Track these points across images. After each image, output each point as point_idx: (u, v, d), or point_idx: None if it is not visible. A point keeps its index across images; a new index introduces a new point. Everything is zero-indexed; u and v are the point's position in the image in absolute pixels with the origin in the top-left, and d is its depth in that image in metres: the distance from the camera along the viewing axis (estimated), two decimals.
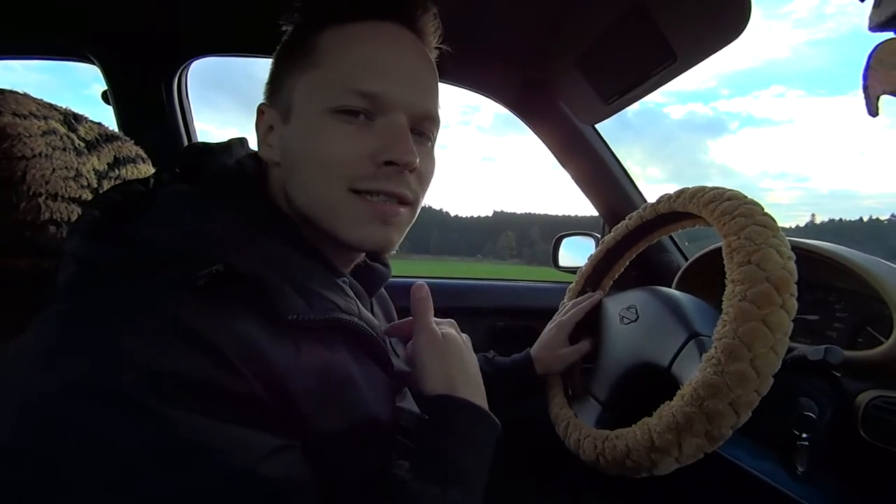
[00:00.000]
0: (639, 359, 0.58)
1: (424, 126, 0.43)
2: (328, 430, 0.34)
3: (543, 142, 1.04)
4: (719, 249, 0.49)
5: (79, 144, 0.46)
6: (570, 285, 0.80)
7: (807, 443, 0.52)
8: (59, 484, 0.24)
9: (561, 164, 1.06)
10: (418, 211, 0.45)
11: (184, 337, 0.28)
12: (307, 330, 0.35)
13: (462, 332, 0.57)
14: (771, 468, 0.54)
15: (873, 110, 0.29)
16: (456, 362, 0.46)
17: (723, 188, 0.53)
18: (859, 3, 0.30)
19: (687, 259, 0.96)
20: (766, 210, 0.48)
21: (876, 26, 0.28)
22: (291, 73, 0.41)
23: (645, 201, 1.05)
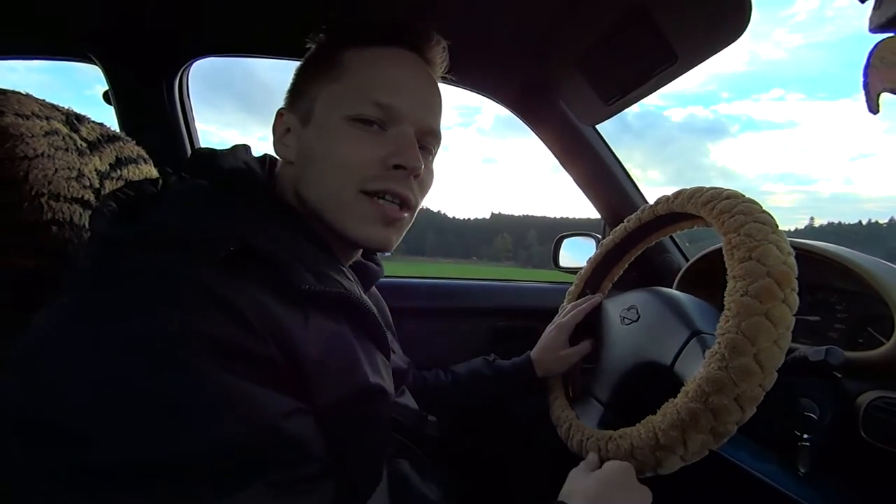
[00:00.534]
0: (641, 358, 0.58)
1: (428, 140, 0.48)
2: (335, 396, 0.36)
3: (544, 143, 1.04)
4: (720, 250, 0.49)
5: (81, 145, 0.47)
6: (570, 288, 0.80)
7: (808, 444, 0.52)
8: (103, 432, 0.25)
9: (562, 165, 1.06)
10: (414, 217, 0.50)
11: (210, 300, 0.30)
12: (316, 303, 0.37)
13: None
14: (772, 469, 0.54)
15: (874, 107, 0.29)
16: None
17: (720, 188, 0.53)
18: (859, 5, 0.30)
19: (688, 260, 0.96)
20: (805, 227, 0.48)
21: (876, 28, 0.28)
22: (314, 83, 0.46)
23: (646, 202, 1.05)
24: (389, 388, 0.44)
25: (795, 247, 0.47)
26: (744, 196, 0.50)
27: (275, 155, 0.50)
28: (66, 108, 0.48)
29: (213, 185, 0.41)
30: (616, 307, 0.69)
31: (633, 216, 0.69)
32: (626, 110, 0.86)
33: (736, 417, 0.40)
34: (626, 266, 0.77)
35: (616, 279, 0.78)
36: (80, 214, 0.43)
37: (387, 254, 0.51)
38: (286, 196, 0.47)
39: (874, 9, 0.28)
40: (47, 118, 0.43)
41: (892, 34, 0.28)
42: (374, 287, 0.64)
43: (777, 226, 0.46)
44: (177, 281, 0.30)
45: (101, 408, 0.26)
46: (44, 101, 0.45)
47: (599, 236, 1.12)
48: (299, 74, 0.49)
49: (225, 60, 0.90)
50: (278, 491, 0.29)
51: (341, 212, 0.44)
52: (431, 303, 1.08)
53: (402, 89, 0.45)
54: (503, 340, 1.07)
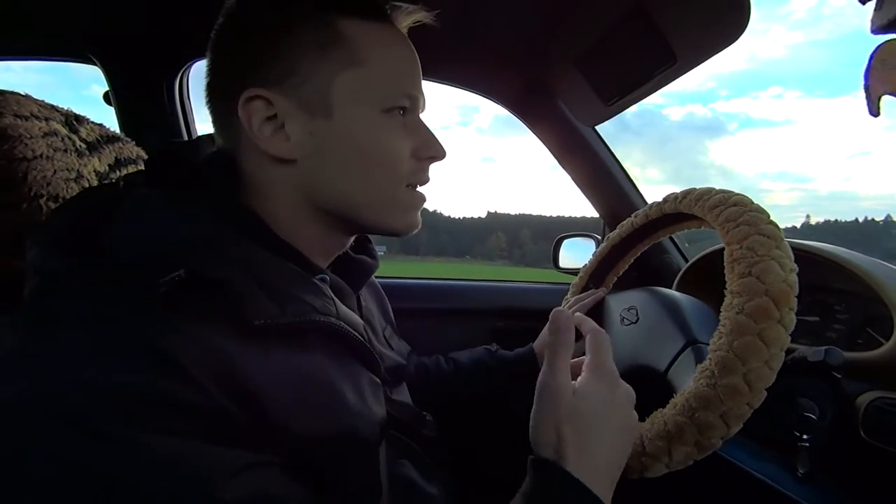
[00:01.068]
0: (636, 361, 0.58)
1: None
2: (309, 437, 0.33)
3: (544, 143, 1.04)
4: (720, 251, 0.49)
5: (80, 146, 0.46)
6: (574, 280, 0.80)
7: (807, 444, 0.52)
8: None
9: (561, 165, 1.06)
10: None
11: (145, 355, 0.27)
12: (279, 335, 0.33)
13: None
14: (771, 469, 0.54)
15: (874, 110, 0.29)
16: (614, 428, 0.39)
17: (730, 192, 0.53)
18: (858, 4, 0.30)
19: (687, 260, 0.96)
20: (772, 218, 0.47)
21: (878, 29, 0.28)
22: (320, 63, 0.38)
23: (645, 203, 1.05)
24: (377, 412, 0.41)
25: (795, 248, 0.47)
26: (751, 204, 0.49)
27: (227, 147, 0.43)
28: (66, 108, 0.48)
29: (168, 192, 0.36)
30: (617, 305, 0.69)
31: (640, 212, 0.69)
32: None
33: (721, 433, 0.40)
34: (631, 261, 0.77)
35: (620, 273, 0.78)
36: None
37: (381, 252, 0.49)
38: (266, 198, 0.40)
39: (875, 10, 0.28)
40: (46, 119, 0.43)
41: (893, 36, 0.28)
42: (373, 278, 0.61)
43: (782, 239, 0.45)
44: (110, 333, 0.27)
45: (15, 481, 0.23)
46: (43, 101, 0.45)
47: (598, 237, 1.12)
48: (267, 41, 0.38)
49: None
50: None
51: (390, 209, 0.43)
52: (431, 303, 1.08)
53: (418, 77, 0.44)
54: (502, 341, 1.07)
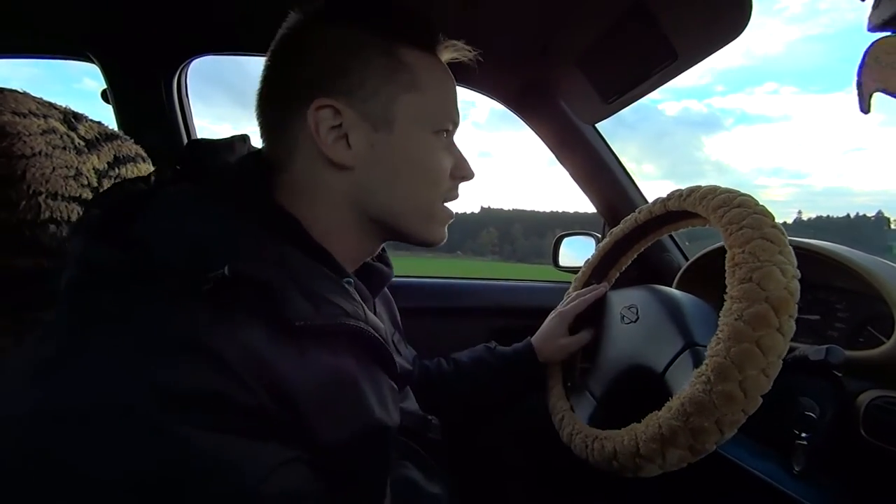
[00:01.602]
0: (635, 361, 0.58)
1: None
2: (334, 438, 0.34)
3: (544, 141, 1.04)
4: (721, 249, 0.49)
5: (79, 143, 0.46)
6: (577, 275, 0.80)
7: (805, 442, 0.52)
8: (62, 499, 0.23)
9: (561, 163, 1.06)
10: None
11: (191, 352, 0.28)
12: (313, 336, 0.34)
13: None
14: (771, 468, 0.54)
15: (865, 107, 0.29)
16: None
17: (734, 191, 0.52)
18: (858, 1, 0.30)
19: (687, 258, 0.96)
20: (776, 220, 0.47)
21: (875, 27, 0.28)
22: (385, 83, 0.42)
23: (645, 200, 1.05)
24: (395, 417, 0.42)
25: (796, 247, 0.47)
26: (756, 205, 0.49)
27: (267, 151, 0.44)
28: (64, 106, 0.48)
29: (203, 190, 0.38)
30: (618, 302, 0.69)
31: (643, 208, 0.69)
32: None
33: (715, 438, 0.40)
34: (634, 257, 0.76)
35: (623, 269, 0.78)
36: (79, 213, 0.43)
37: None
38: (318, 200, 0.42)
39: (873, 8, 0.28)
40: (45, 116, 0.43)
41: (887, 34, 0.28)
42: (385, 289, 0.63)
43: (785, 243, 0.44)
44: (155, 329, 0.28)
45: (51, 480, 0.23)
46: (41, 99, 0.45)
47: (598, 235, 1.12)
48: (338, 58, 0.41)
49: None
50: None
51: (427, 221, 0.46)
52: (429, 302, 1.08)
53: (458, 105, 0.48)
54: (502, 339, 1.07)
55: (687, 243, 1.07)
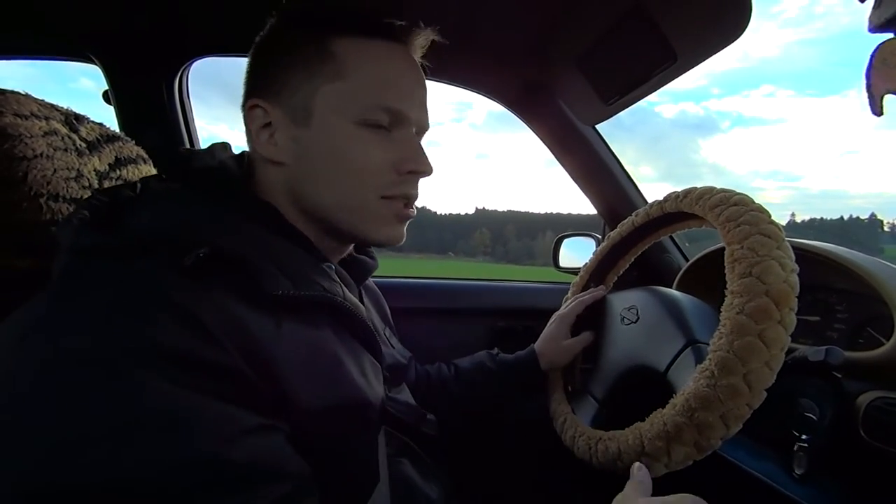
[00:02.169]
0: (636, 361, 0.58)
1: (421, 137, 0.49)
2: (314, 408, 0.34)
3: (543, 142, 1.04)
4: (720, 250, 0.49)
5: (80, 145, 0.47)
6: (575, 279, 0.80)
7: (805, 444, 0.52)
8: (37, 445, 0.24)
9: (561, 164, 1.06)
10: None
11: (170, 312, 0.29)
12: (291, 308, 0.36)
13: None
14: (771, 469, 0.54)
15: (877, 110, 0.29)
16: None
17: (731, 191, 0.52)
18: (850, 2, 0.29)
19: (687, 259, 0.96)
20: (773, 218, 0.47)
21: (876, 27, 0.28)
22: (303, 76, 0.43)
23: (645, 201, 1.05)
24: (377, 393, 0.43)
25: (796, 247, 0.47)
26: (752, 203, 0.49)
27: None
28: (66, 108, 0.48)
29: (186, 187, 0.40)
30: (618, 304, 0.69)
31: (640, 210, 0.69)
32: None
33: (720, 434, 0.40)
34: (632, 260, 0.76)
35: (621, 272, 0.78)
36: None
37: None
38: (270, 195, 0.44)
39: (874, 8, 0.28)
40: (46, 118, 0.43)
41: (893, 35, 0.28)
42: (371, 282, 0.64)
43: (783, 239, 0.45)
44: (138, 291, 0.29)
45: (42, 426, 0.24)
46: (43, 101, 0.45)
47: (598, 236, 1.12)
48: (272, 58, 0.44)
49: None
50: None
51: (361, 218, 0.44)
52: (430, 303, 1.08)
53: (407, 92, 0.45)
54: (502, 341, 1.07)
55: (687, 244, 1.07)
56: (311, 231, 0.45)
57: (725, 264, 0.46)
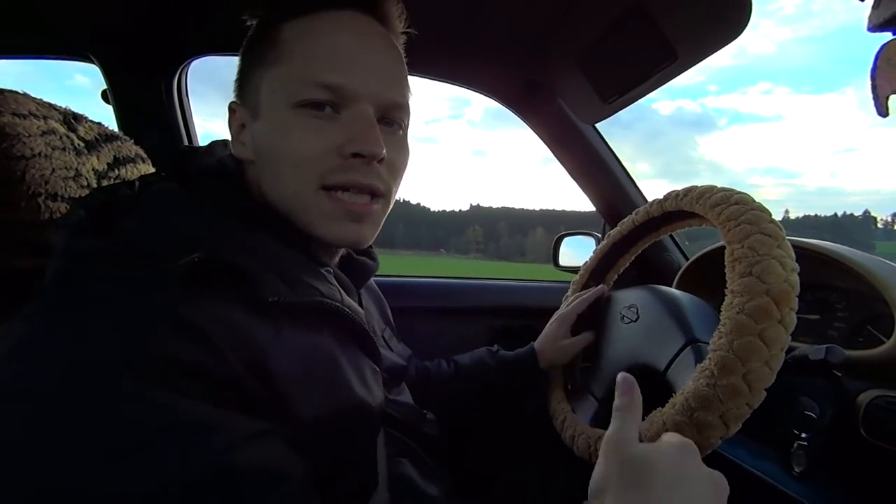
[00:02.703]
0: (636, 360, 0.58)
1: (393, 115, 0.43)
2: (314, 414, 0.34)
3: (543, 141, 1.04)
4: (721, 249, 0.49)
5: (78, 144, 0.46)
6: (575, 278, 0.80)
7: (805, 443, 0.51)
8: (34, 463, 0.23)
9: (561, 163, 1.06)
10: (392, 204, 0.45)
11: (169, 322, 0.28)
12: (289, 314, 0.35)
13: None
14: (771, 467, 0.54)
15: (883, 110, 0.29)
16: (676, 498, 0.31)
17: (731, 190, 0.52)
18: (848, 0, 0.29)
19: (687, 258, 0.96)
20: (773, 217, 0.47)
21: (875, 27, 0.28)
22: (257, 69, 0.41)
23: (645, 200, 1.05)
24: (377, 397, 0.42)
25: (796, 246, 0.47)
26: (753, 202, 0.49)
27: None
28: (64, 107, 0.48)
29: (184, 189, 0.39)
30: (618, 303, 0.69)
31: (641, 209, 0.69)
32: None
33: (720, 433, 0.40)
34: (632, 259, 0.76)
35: (621, 271, 0.78)
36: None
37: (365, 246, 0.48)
38: (256, 196, 0.43)
39: (873, 8, 0.28)
40: (44, 118, 0.43)
41: (893, 35, 0.27)
42: (372, 282, 0.64)
43: (784, 238, 0.45)
44: (133, 302, 0.29)
45: (37, 437, 0.24)
46: (41, 100, 0.45)
47: (598, 235, 1.12)
48: (242, 60, 0.44)
49: None
50: None
51: (305, 212, 0.40)
52: (430, 302, 1.08)
53: (351, 63, 0.39)
54: (502, 339, 1.07)
55: (687, 243, 1.07)
56: (298, 236, 0.43)
57: (726, 263, 0.46)
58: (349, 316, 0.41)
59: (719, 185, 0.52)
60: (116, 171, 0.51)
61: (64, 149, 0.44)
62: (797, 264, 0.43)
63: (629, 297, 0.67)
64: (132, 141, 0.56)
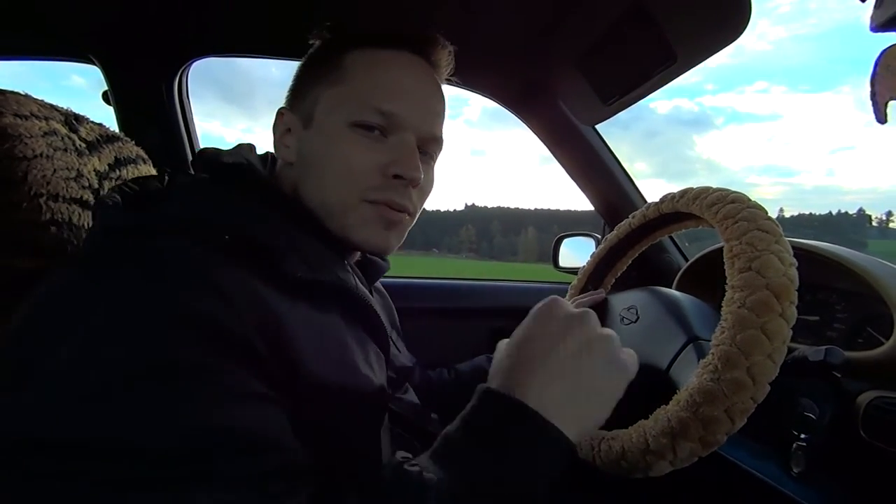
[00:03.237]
0: (638, 360, 0.58)
1: (429, 147, 0.48)
2: (319, 386, 0.35)
3: (543, 142, 1.04)
4: (720, 250, 0.49)
5: (80, 145, 0.46)
6: (573, 282, 0.80)
7: (804, 444, 0.52)
8: (67, 409, 0.25)
9: (560, 164, 1.06)
10: (414, 222, 0.50)
11: (194, 280, 0.31)
12: (308, 292, 0.38)
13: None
14: (771, 468, 0.54)
15: (882, 117, 0.29)
16: (569, 360, 0.35)
17: (727, 190, 0.53)
18: (847, 2, 0.29)
19: (687, 259, 0.96)
20: (770, 214, 0.48)
21: (877, 27, 0.28)
22: (316, 85, 0.46)
23: (644, 201, 1.05)
24: (380, 379, 0.44)
25: (795, 247, 0.47)
26: (749, 201, 0.49)
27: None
28: (66, 108, 0.48)
29: (215, 180, 0.42)
30: (617, 305, 0.69)
31: (637, 212, 0.69)
32: None
33: (726, 428, 0.40)
34: (630, 262, 0.76)
35: (619, 274, 0.78)
36: (80, 215, 0.43)
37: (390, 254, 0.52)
38: (287, 192, 0.47)
39: (875, 7, 0.28)
40: (46, 119, 0.43)
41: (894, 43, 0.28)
42: (380, 285, 0.66)
43: (781, 234, 0.45)
44: (169, 263, 0.31)
45: (71, 386, 0.26)
46: (43, 101, 0.45)
47: (598, 236, 1.12)
48: (300, 75, 0.50)
49: None
50: (234, 486, 0.27)
51: (343, 217, 0.44)
52: (430, 303, 1.09)
53: (404, 96, 0.45)
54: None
55: (686, 244, 1.07)
56: (321, 230, 0.46)
57: (725, 260, 0.47)
58: (362, 299, 0.43)
59: (716, 184, 0.52)
60: (118, 172, 0.51)
61: (65, 150, 0.44)
62: (795, 259, 0.44)
63: (628, 299, 0.67)
64: (133, 142, 0.56)
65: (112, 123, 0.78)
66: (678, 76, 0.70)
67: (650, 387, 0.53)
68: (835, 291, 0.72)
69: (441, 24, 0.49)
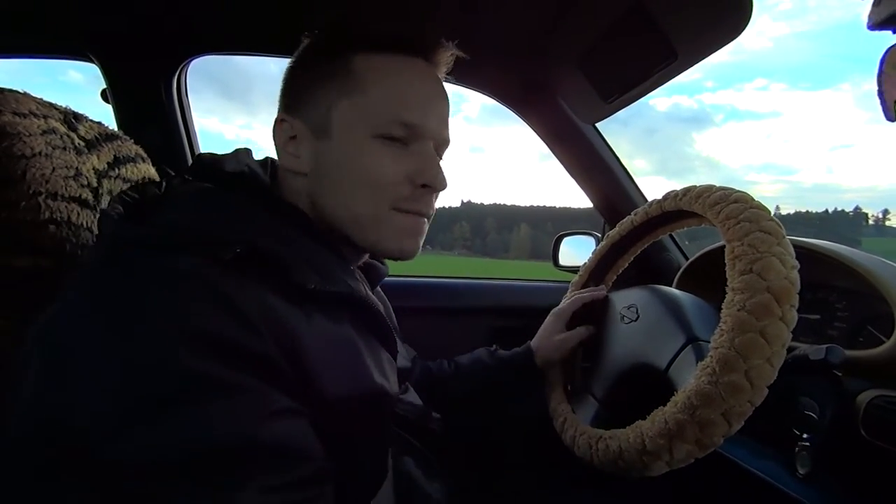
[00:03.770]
0: (637, 359, 0.58)
1: (442, 151, 0.49)
2: (335, 397, 0.36)
3: (543, 140, 1.04)
4: (720, 248, 0.49)
5: (79, 143, 0.46)
6: (574, 279, 0.80)
7: (808, 443, 0.51)
8: (98, 429, 0.26)
9: (561, 162, 1.06)
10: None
11: (214, 299, 0.31)
12: (320, 302, 0.38)
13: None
14: (772, 468, 0.54)
15: (891, 115, 0.29)
16: None
17: (730, 189, 0.52)
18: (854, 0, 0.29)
19: (687, 258, 0.96)
20: (772, 215, 0.47)
21: (875, 25, 0.28)
22: (323, 92, 0.45)
23: (644, 199, 1.05)
24: (393, 387, 0.44)
25: (796, 246, 0.47)
26: (752, 200, 0.49)
27: (276, 160, 0.50)
28: (64, 106, 0.48)
29: (217, 188, 0.42)
30: (617, 303, 0.68)
31: (639, 210, 0.69)
32: None
33: (722, 431, 0.40)
34: (631, 260, 0.76)
35: (620, 272, 0.78)
36: (78, 213, 0.43)
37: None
38: (294, 202, 0.46)
39: (873, 5, 0.28)
40: (45, 117, 0.43)
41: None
42: (378, 288, 0.65)
43: (783, 236, 0.45)
44: (183, 282, 0.32)
45: (99, 407, 0.27)
46: (41, 99, 0.45)
47: (598, 235, 1.12)
48: (299, 76, 0.48)
49: None
50: (275, 495, 0.29)
51: (376, 228, 0.45)
52: (429, 302, 1.09)
53: (425, 107, 0.45)
54: (501, 339, 1.07)
55: (687, 243, 1.07)
56: (331, 239, 0.46)
57: (726, 261, 0.46)
58: (373, 308, 0.44)
59: (715, 181, 0.52)
60: (117, 171, 0.51)
61: (64, 148, 0.44)
62: (797, 262, 0.43)
63: (629, 297, 0.67)
64: (132, 140, 0.56)
65: (111, 121, 0.78)
66: (679, 74, 0.70)
67: (649, 387, 0.53)
68: (835, 290, 0.72)
69: (442, 21, 0.48)
